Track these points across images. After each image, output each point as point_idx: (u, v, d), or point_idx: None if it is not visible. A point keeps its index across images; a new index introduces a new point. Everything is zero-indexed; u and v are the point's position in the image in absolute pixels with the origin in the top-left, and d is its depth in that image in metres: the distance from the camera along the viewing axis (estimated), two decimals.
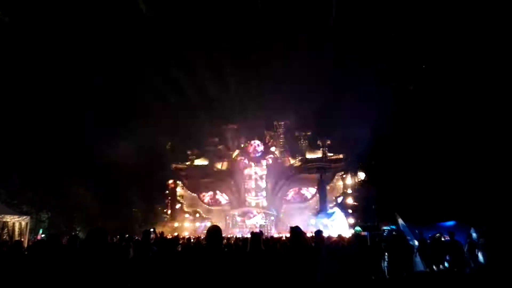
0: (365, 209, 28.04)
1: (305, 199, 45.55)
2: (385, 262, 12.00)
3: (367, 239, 13.59)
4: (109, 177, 32.49)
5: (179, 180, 46.65)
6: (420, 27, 23.57)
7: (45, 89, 28.50)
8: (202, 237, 21.70)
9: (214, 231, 4.17)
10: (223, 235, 4.72)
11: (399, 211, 17.23)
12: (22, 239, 16.38)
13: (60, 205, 29.35)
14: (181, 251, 10.29)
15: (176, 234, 25.04)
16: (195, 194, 46.86)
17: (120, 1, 28.54)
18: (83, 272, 3.33)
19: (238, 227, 41.78)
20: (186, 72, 37.51)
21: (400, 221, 16.46)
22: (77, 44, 28.98)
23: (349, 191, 38.98)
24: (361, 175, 33.46)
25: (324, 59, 32.31)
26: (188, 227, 42.88)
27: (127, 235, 11.84)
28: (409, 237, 13.90)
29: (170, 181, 45.67)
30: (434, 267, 12.95)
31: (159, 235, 10.00)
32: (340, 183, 43.27)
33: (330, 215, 29.44)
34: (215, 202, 47.06)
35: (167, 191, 45.41)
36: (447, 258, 12.82)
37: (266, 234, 29.46)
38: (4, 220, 16.84)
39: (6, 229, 17.04)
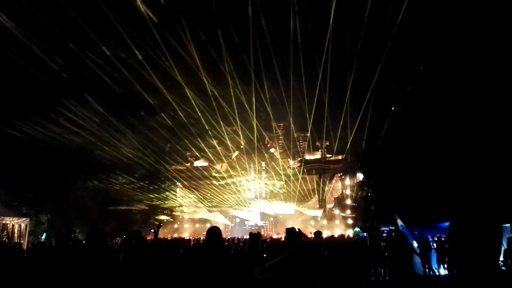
0: (364, 210, 28.03)
1: (304, 200, 45.60)
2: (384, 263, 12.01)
3: (366, 239, 13.63)
4: (109, 178, 32.51)
5: (179, 181, 46.68)
6: (418, 28, 23.63)
7: (44, 90, 28.53)
8: (202, 238, 21.72)
9: (214, 232, 4.17)
10: (223, 236, 4.75)
11: (398, 212, 17.26)
12: (22, 241, 16.37)
13: (60, 207, 29.32)
14: (180, 253, 10.28)
15: (175, 235, 25.04)
16: (194, 195, 46.89)
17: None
18: (82, 274, 3.34)
19: (238, 228, 41.87)
20: (186, 73, 37.55)
21: (399, 222, 16.48)
22: (80, 45, 29.02)
23: (348, 192, 39.04)
24: (360, 176, 33.49)
25: (324, 59, 32.36)
26: (188, 228, 42.90)
27: (125, 236, 11.82)
28: (408, 238, 13.92)
29: (170, 183, 45.70)
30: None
31: (157, 236, 10.02)
32: (339, 184, 43.34)
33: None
34: (214, 203, 47.10)
35: (167, 192, 45.44)
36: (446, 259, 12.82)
37: (265, 234, 29.49)
38: (4, 222, 16.81)
39: (5, 231, 17.02)
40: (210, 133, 44.86)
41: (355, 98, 30.14)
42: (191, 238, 24.91)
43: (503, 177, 16.06)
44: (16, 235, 17.12)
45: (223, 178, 45.85)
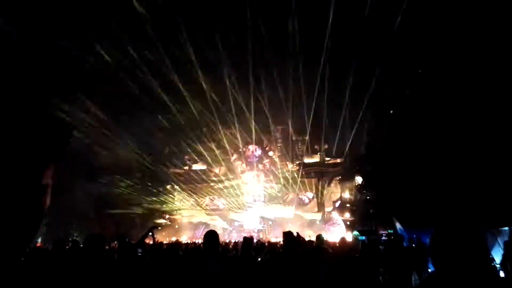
0: (363, 213, 28.03)
1: (303, 204, 45.57)
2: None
3: (366, 243, 13.61)
4: (107, 182, 32.45)
5: (177, 185, 46.60)
6: (416, 31, 23.74)
7: (42, 93, 28.50)
8: (200, 242, 21.66)
9: (211, 235, 4.21)
10: (221, 240, 4.77)
11: (397, 215, 17.27)
12: None
13: (58, 211, 29.23)
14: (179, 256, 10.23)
15: (174, 239, 24.97)
16: (193, 199, 46.80)
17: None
18: (81, 278, 3.34)
19: (236, 232, 41.80)
20: (184, 76, 37.60)
21: (398, 225, 16.49)
22: (79, 44, 29.02)
23: (347, 195, 39.02)
24: (359, 180, 33.49)
25: (322, 63, 32.48)
26: (186, 232, 42.81)
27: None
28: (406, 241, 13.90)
29: (168, 186, 45.62)
30: None
31: (156, 240, 9.98)
32: (337, 188, 43.32)
33: None
34: (213, 207, 47.02)
35: (165, 196, 45.35)
36: None
37: (264, 238, 29.43)
38: None
39: None
40: (208, 136, 44.90)
41: (353, 102, 30.25)
42: (188, 241, 24.86)
43: (501, 180, 16.09)
44: None
45: (221, 181, 45.80)
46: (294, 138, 46.24)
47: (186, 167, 46.98)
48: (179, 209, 45.89)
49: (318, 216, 42.91)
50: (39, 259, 5.70)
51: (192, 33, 32.50)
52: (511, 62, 16.84)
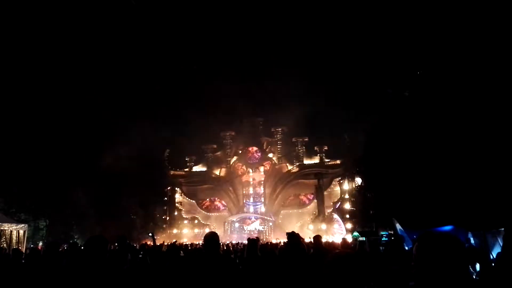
0: (363, 214, 28.03)
1: (303, 205, 45.59)
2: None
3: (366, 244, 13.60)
4: (107, 184, 32.44)
5: (178, 187, 46.63)
6: (415, 32, 23.79)
7: (43, 97, 28.56)
8: (200, 243, 21.67)
9: (211, 237, 4.19)
10: (221, 241, 4.78)
11: (397, 216, 17.26)
12: (20, 247, 16.32)
13: (58, 213, 29.24)
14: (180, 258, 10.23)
15: (174, 240, 24.96)
16: (193, 201, 46.85)
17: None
18: (82, 281, 3.35)
19: (236, 233, 41.81)
20: (185, 80, 37.73)
21: (398, 226, 16.49)
22: (79, 53, 29.16)
23: (347, 196, 39.04)
24: (358, 181, 33.52)
25: (322, 65, 32.56)
26: (187, 233, 42.83)
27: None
28: (406, 242, 13.92)
29: (169, 188, 45.65)
30: None
31: (155, 242, 10.00)
32: (337, 189, 43.34)
33: None
34: (213, 208, 47.05)
35: (166, 198, 45.37)
36: None
37: (264, 239, 29.46)
38: (2, 228, 16.78)
39: (3, 237, 16.97)
40: (209, 138, 44.99)
41: (353, 103, 30.32)
42: (188, 243, 24.85)
43: (501, 181, 16.12)
44: (14, 241, 17.07)
45: (221, 183, 45.86)
46: (294, 139, 46.30)
47: (187, 169, 47.05)
48: (180, 211, 45.91)
49: (318, 217, 42.95)
50: (32, 261, 5.73)
51: (192, 30, 32.60)
52: (511, 62, 16.89)
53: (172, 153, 45.26)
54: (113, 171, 31.56)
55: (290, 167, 46.19)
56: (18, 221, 19.82)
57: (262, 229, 42.56)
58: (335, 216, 38.84)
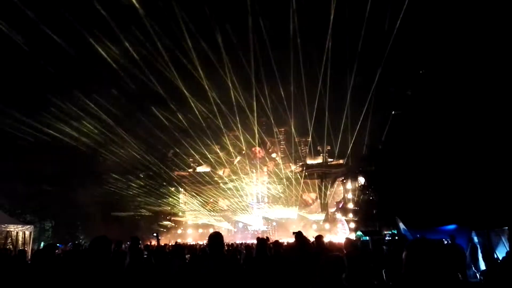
0: (366, 213, 28.00)
1: (306, 205, 45.60)
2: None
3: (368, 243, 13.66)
4: (112, 185, 32.63)
5: (182, 187, 46.78)
6: (418, 31, 23.76)
7: (46, 98, 28.78)
8: (204, 243, 21.76)
9: (216, 237, 4.20)
10: (225, 241, 4.81)
11: (400, 215, 17.26)
12: (26, 249, 16.43)
13: (64, 214, 29.42)
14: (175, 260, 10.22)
15: (177, 241, 25.09)
16: (197, 201, 46.97)
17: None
18: (86, 281, 3.39)
19: (240, 233, 41.92)
20: (188, 80, 37.79)
21: (401, 225, 16.49)
22: (83, 51, 29.29)
23: (350, 195, 39.00)
24: (361, 180, 33.48)
25: (324, 64, 32.55)
26: (191, 233, 42.98)
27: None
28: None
29: (173, 188, 45.80)
30: None
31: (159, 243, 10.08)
32: (340, 188, 43.29)
33: None
34: (217, 208, 47.16)
35: (170, 198, 45.53)
36: None
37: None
38: (8, 229, 16.90)
39: (9, 239, 17.10)
40: (212, 139, 45.06)
41: (355, 102, 30.33)
42: (193, 243, 24.97)
43: (505, 179, 16.10)
44: (20, 242, 17.20)
45: (225, 183, 45.94)
46: (297, 139, 46.34)
47: (191, 170, 47.19)
48: (184, 211, 46.06)
49: (321, 217, 42.95)
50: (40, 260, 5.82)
51: (194, 37, 32.69)
52: None
53: (176, 153, 45.41)
54: (118, 172, 31.72)
55: (293, 167, 46.21)
56: (24, 223, 19.97)
57: (266, 229, 42.65)
58: (338, 215, 38.85)
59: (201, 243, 25.75)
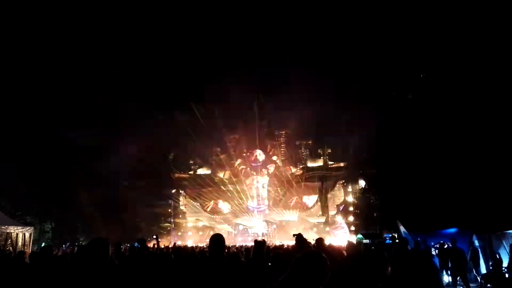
0: (367, 216, 27.99)
1: (306, 207, 45.52)
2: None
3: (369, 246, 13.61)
4: (113, 187, 32.65)
5: (182, 190, 46.73)
6: (419, 35, 23.82)
7: (48, 100, 28.84)
8: (205, 246, 21.75)
9: (217, 239, 4.18)
10: (226, 244, 4.76)
11: (401, 218, 17.25)
12: (26, 250, 16.41)
13: (64, 216, 29.42)
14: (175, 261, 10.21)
15: (175, 242, 25.03)
16: (198, 203, 46.90)
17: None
18: (82, 282, 3.37)
19: (240, 236, 41.87)
20: (189, 84, 37.88)
21: (402, 228, 16.48)
22: (86, 54, 29.37)
23: (350, 198, 38.96)
24: (362, 183, 33.46)
25: (325, 68, 32.59)
26: (191, 235, 42.94)
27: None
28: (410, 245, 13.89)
29: (173, 191, 45.77)
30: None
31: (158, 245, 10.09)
32: (341, 191, 43.25)
33: None
34: (217, 211, 47.07)
35: (170, 201, 45.50)
36: (449, 265, 12.74)
37: (268, 242, 29.45)
38: (8, 231, 16.90)
39: (9, 240, 17.10)
40: (212, 141, 45.07)
41: (356, 105, 30.29)
42: (193, 246, 24.92)
43: (504, 183, 16.08)
44: (20, 243, 17.19)
45: (225, 185, 45.86)
46: (297, 142, 46.30)
47: (191, 172, 47.16)
48: (184, 213, 46.03)
49: (322, 220, 42.88)
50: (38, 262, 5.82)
51: (195, 36, 32.77)
52: None
53: (177, 156, 45.44)
54: (119, 173, 31.73)
55: (293, 170, 46.16)
56: (24, 224, 19.97)
57: (266, 232, 42.59)
58: (339, 218, 38.82)
59: (201, 245, 25.72)
